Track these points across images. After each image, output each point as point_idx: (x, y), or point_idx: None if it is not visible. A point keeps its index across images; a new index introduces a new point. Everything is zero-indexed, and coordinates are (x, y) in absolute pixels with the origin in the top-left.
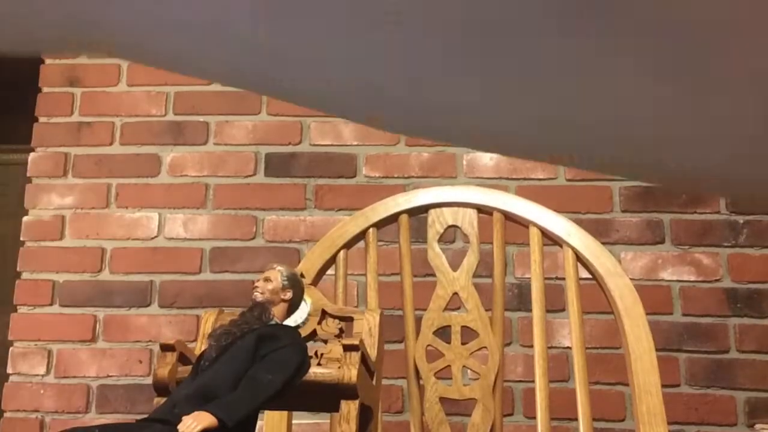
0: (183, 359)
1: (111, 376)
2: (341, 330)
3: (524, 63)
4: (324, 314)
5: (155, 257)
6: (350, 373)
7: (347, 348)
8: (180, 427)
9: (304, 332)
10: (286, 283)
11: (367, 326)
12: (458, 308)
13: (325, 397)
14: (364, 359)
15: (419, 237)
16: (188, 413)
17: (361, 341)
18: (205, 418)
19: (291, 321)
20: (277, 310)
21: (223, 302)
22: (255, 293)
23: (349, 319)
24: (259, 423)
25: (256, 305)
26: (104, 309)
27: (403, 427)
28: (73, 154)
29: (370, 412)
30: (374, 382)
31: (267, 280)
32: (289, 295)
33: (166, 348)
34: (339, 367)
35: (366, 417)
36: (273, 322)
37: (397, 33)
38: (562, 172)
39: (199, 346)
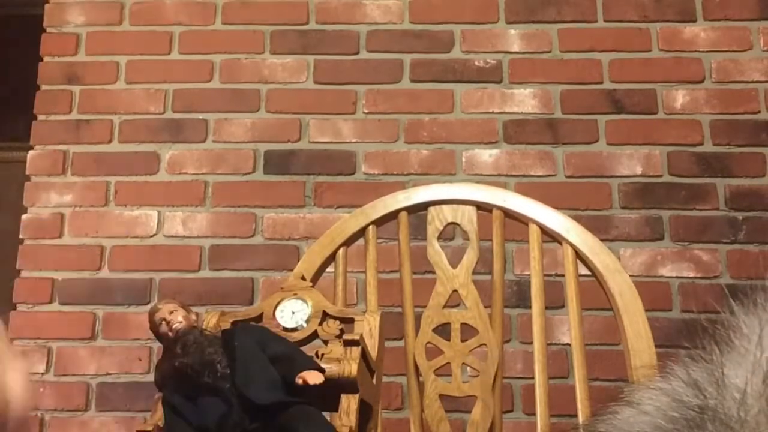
0: None
1: (110, 374)
2: (342, 331)
3: None
4: (325, 315)
5: (154, 255)
6: (350, 367)
7: (348, 343)
8: (309, 380)
9: (304, 333)
10: (185, 308)
11: (368, 327)
12: (458, 305)
13: (326, 396)
14: (365, 356)
15: (419, 234)
16: (274, 396)
17: (362, 336)
18: (316, 372)
19: (293, 323)
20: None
21: (223, 300)
22: (174, 326)
23: (349, 321)
24: None
25: (187, 332)
26: (103, 307)
27: (402, 424)
28: (71, 152)
29: (370, 410)
30: (374, 381)
31: (171, 312)
32: (193, 316)
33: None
34: (339, 362)
35: (366, 414)
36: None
37: None
38: (561, 168)
39: None
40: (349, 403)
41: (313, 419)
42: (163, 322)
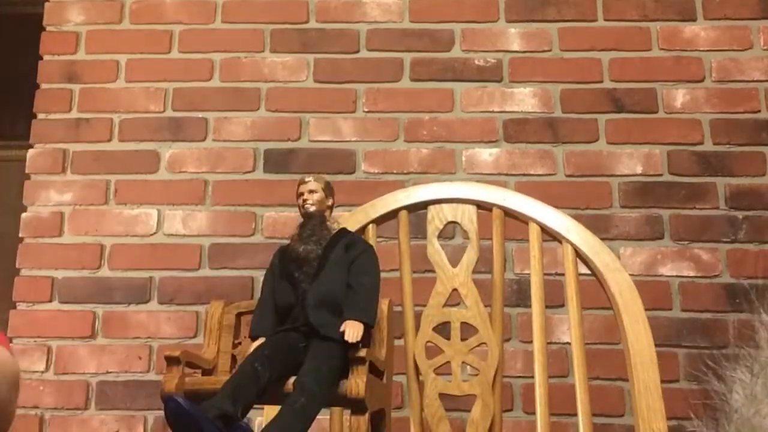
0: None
1: (110, 372)
2: None
3: None
4: None
5: (154, 253)
6: (358, 388)
7: (355, 361)
8: (348, 338)
9: None
10: (327, 191)
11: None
12: (458, 304)
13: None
14: (373, 365)
15: (419, 233)
16: (321, 319)
17: (369, 351)
18: (358, 326)
19: None
20: (327, 216)
21: (222, 299)
22: (306, 206)
23: None
24: (259, 419)
25: (312, 216)
26: (103, 305)
27: (403, 423)
28: (71, 151)
29: (382, 413)
30: (384, 380)
31: (311, 192)
32: (331, 201)
33: (171, 361)
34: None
35: (379, 418)
36: (338, 227)
37: None
38: (561, 167)
39: (206, 342)
40: (359, 424)
41: (321, 368)
42: (301, 198)
